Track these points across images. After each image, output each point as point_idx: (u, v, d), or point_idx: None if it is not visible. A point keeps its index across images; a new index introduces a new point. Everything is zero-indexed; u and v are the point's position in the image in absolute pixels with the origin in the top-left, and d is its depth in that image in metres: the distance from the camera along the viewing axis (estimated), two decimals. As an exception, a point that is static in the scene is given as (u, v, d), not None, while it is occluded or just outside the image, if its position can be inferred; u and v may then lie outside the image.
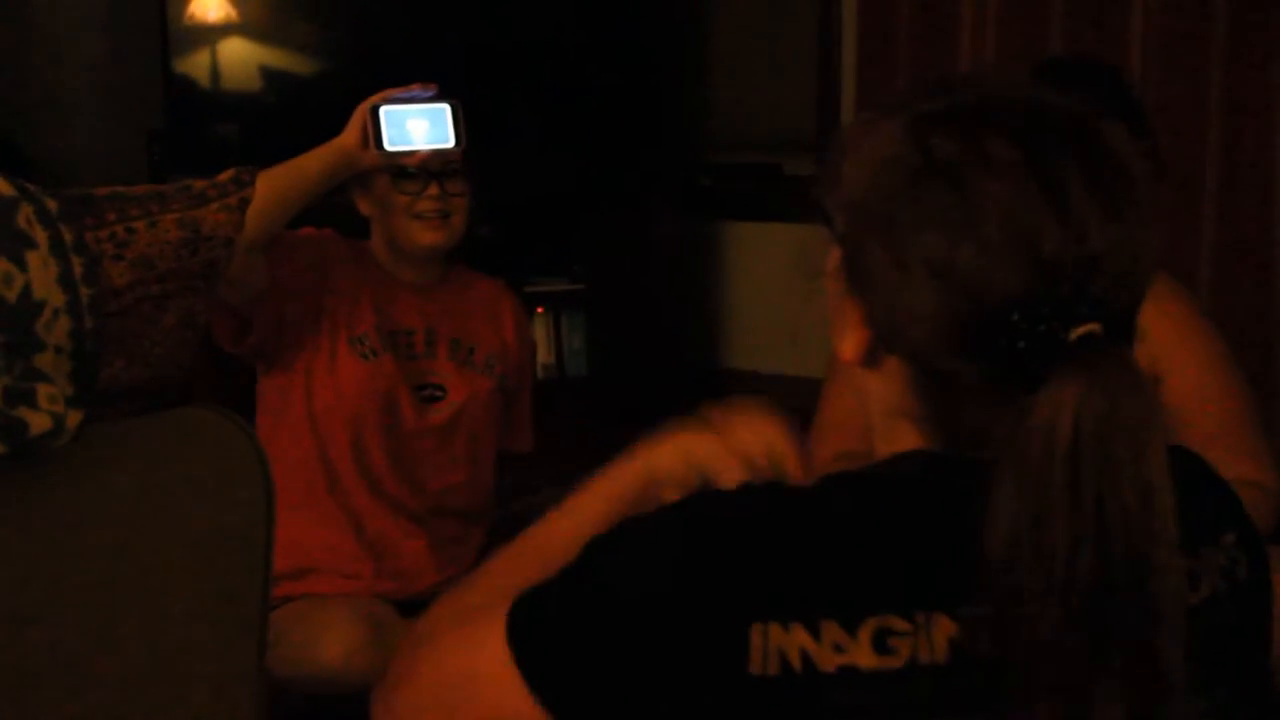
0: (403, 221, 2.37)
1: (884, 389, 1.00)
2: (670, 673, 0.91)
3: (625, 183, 4.44)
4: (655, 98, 4.37)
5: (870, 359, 0.99)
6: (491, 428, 2.50)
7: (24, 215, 1.11)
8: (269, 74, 3.99)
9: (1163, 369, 2.13)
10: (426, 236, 2.37)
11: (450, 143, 2.28)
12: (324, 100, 3.95)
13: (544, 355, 4.10)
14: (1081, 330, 0.89)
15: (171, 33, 3.83)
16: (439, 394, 2.42)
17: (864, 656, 0.90)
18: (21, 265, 1.09)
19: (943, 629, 0.91)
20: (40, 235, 1.11)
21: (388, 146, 2.23)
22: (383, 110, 2.23)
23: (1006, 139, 0.93)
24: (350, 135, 2.23)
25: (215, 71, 3.91)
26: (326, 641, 2.17)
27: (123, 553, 1.17)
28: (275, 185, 2.18)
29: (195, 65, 3.89)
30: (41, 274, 1.10)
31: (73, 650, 1.13)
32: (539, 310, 4.08)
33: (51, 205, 1.14)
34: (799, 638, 0.89)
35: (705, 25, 4.76)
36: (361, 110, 2.23)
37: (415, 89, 2.26)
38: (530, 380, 2.61)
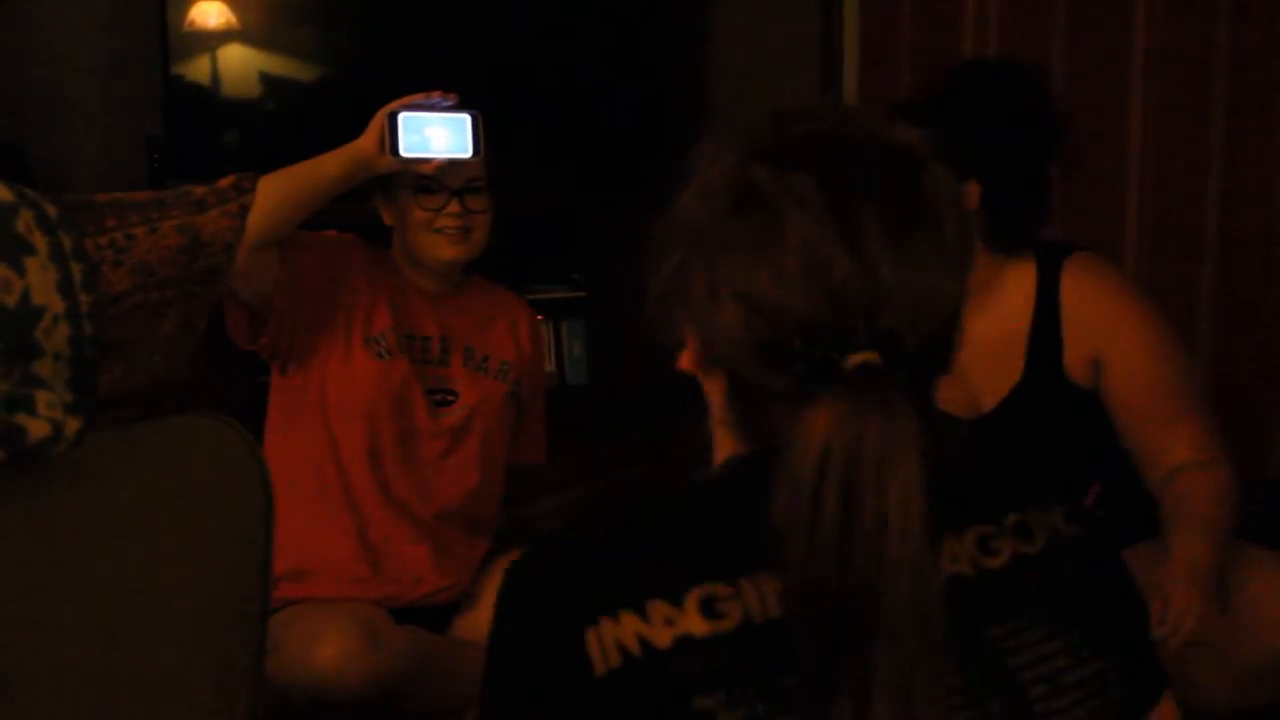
0: (423, 235, 2.37)
1: (713, 398, 1.08)
2: (546, 706, 0.98)
3: (625, 189, 4.43)
4: (654, 103, 4.37)
5: (702, 370, 1.08)
6: (503, 434, 2.50)
7: (23, 221, 1.11)
8: (269, 80, 3.99)
9: (1102, 353, 2.20)
10: (447, 251, 2.38)
11: (469, 153, 2.28)
12: (323, 107, 3.95)
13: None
14: (858, 359, 0.95)
15: (172, 38, 3.83)
16: (451, 398, 2.42)
17: (695, 624, 0.96)
18: (20, 271, 1.09)
19: (771, 587, 0.97)
20: (40, 241, 1.11)
21: (403, 152, 2.23)
22: (401, 116, 2.23)
23: (813, 174, 1.00)
24: (368, 139, 2.23)
25: (215, 77, 3.91)
26: (320, 648, 2.17)
27: (122, 558, 1.17)
28: (289, 182, 2.18)
29: (195, 71, 3.89)
30: (40, 280, 1.10)
31: (72, 655, 1.12)
32: (539, 318, 4.08)
33: (51, 211, 1.14)
34: (630, 624, 0.96)
35: (705, 30, 4.76)
36: (381, 114, 2.23)
37: (436, 97, 2.26)
38: (544, 391, 2.60)
